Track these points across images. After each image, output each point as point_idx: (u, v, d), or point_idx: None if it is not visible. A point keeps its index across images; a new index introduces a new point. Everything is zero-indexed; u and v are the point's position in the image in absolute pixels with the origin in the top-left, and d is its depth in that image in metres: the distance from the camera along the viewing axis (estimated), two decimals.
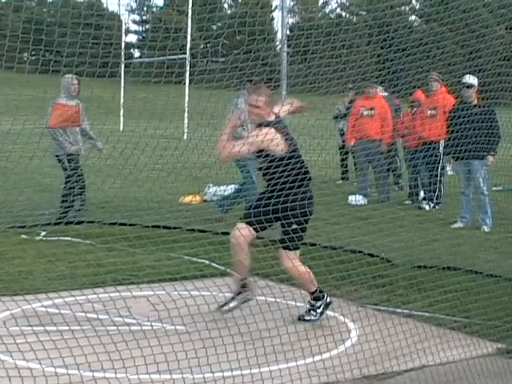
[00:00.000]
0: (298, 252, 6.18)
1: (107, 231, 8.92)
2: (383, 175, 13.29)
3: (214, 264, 7.82)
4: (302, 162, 6.13)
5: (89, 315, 5.29)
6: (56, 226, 9.38)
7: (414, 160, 12.45)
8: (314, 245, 6.99)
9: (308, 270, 6.22)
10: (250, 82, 9.05)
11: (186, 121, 17.47)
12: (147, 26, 49.29)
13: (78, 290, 5.99)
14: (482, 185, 10.48)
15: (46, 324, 4.86)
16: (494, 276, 7.23)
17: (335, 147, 14.52)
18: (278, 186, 5.89)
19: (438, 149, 11.80)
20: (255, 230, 6.04)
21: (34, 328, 4.73)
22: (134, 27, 51.53)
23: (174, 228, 8.44)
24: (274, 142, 5.95)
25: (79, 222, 9.31)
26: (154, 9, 48.13)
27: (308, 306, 6.35)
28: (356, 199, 12.26)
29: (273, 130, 6.00)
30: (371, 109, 13.26)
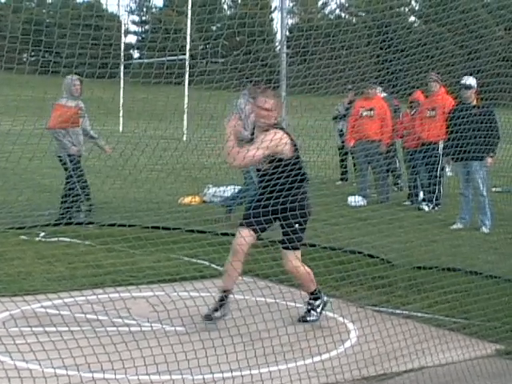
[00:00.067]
0: (299, 252, 6.19)
1: (106, 232, 8.89)
2: (382, 176, 13.29)
3: (213, 265, 7.82)
4: (301, 163, 6.13)
5: (88, 316, 5.28)
6: (55, 227, 9.38)
7: (414, 161, 12.44)
8: (314, 246, 6.99)
9: (309, 270, 6.24)
10: (250, 83, 9.07)
11: (185, 122, 17.44)
12: (147, 27, 49.22)
13: (77, 291, 5.98)
14: (480, 186, 10.48)
15: (46, 325, 4.85)
16: (493, 277, 7.22)
17: (334, 148, 14.50)
18: (278, 186, 5.89)
19: (437, 149, 11.79)
20: (255, 231, 6.04)
21: (34, 329, 4.73)
22: (133, 28, 51.56)
23: (174, 229, 8.42)
24: (288, 146, 5.94)
25: (79, 223, 9.31)
26: (154, 9, 48.14)
27: (308, 306, 6.36)
28: (355, 200, 12.25)
29: (285, 134, 6.00)
30: (370, 109, 13.26)
